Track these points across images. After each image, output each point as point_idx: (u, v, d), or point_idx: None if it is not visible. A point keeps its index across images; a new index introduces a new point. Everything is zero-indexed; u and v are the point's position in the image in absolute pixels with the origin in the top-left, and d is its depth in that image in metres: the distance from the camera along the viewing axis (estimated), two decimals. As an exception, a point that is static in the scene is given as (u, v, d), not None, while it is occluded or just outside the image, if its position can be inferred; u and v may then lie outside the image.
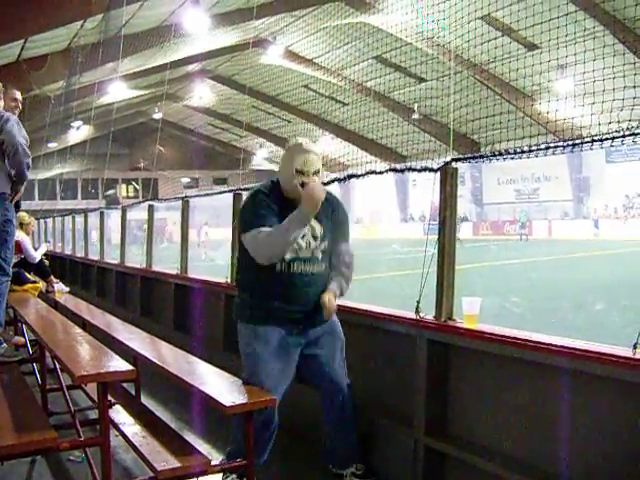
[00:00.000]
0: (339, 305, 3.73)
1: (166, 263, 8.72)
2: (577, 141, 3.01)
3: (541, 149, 3.19)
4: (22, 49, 16.57)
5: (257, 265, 3.60)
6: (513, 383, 3.28)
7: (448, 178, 3.62)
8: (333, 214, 3.76)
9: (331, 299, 3.60)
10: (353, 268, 3.82)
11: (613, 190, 35.48)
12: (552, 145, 3.17)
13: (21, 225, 7.34)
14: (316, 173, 3.58)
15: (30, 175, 4.90)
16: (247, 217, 3.64)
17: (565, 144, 3.10)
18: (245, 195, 5.79)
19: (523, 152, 3.26)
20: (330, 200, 3.72)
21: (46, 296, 7.24)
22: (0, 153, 4.72)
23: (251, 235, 3.54)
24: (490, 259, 22.12)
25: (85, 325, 5.35)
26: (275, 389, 3.55)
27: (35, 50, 17.16)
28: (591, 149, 2.96)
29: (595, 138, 2.93)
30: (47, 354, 4.66)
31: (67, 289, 7.72)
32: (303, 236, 3.59)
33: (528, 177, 40.15)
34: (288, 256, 3.58)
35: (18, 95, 4.89)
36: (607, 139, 2.89)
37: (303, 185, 3.52)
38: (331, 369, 3.79)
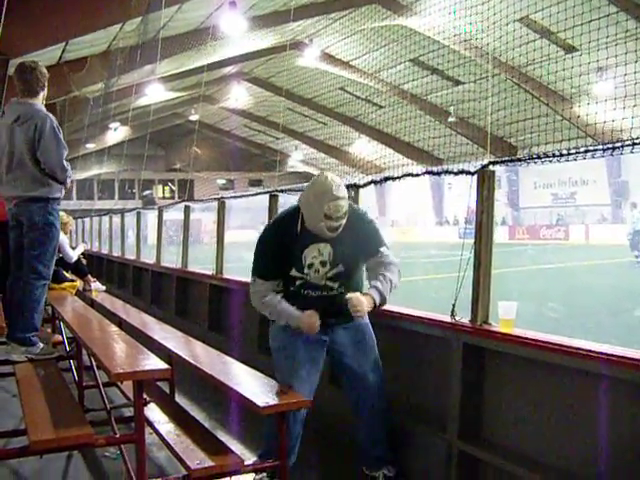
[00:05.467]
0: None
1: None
2: (617, 144, 2.95)
3: (580, 152, 3.12)
4: (63, 52, 16.81)
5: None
6: (549, 389, 3.24)
7: (485, 181, 3.59)
8: (351, 233, 3.65)
9: (359, 297, 3.59)
10: (397, 270, 3.77)
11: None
12: (591, 149, 3.10)
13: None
14: (342, 216, 3.55)
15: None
16: (254, 259, 3.81)
17: (605, 147, 3.04)
18: (281, 197, 5.84)
19: (562, 155, 3.20)
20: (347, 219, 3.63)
21: (83, 294, 7.32)
22: None
23: (252, 283, 3.81)
24: (526, 263, 21.87)
25: (121, 324, 5.41)
26: (302, 388, 3.61)
27: (75, 53, 17.39)
28: (632, 152, 2.90)
29: (636, 141, 2.87)
30: (84, 352, 4.73)
31: (103, 288, 7.80)
32: (311, 265, 3.66)
33: (565, 181, 39.68)
34: (298, 282, 3.71)
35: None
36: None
37: (329, 228, 3.54)
38: (359, 373, 3.80)
